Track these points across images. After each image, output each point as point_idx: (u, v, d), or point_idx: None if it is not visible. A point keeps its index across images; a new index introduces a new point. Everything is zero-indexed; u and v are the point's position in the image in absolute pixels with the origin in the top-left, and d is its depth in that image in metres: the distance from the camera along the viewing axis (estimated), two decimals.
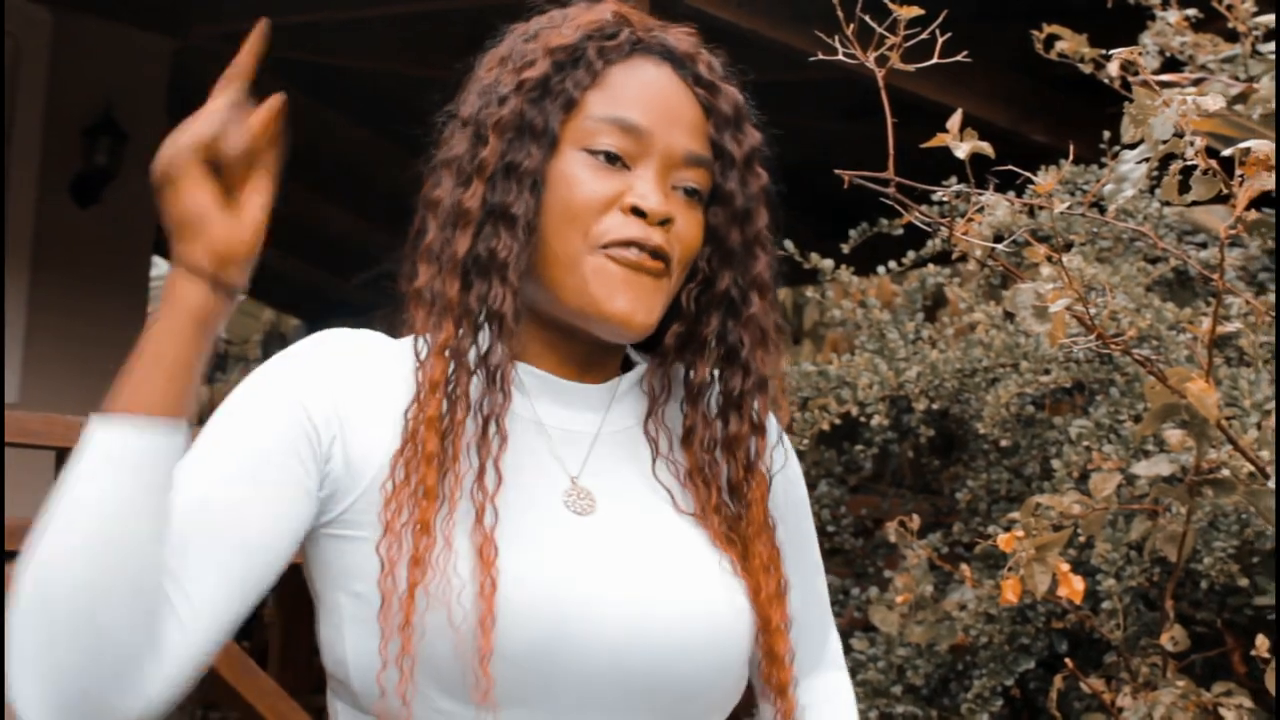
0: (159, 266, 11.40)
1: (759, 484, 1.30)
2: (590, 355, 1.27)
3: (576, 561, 1.17)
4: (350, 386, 1.18)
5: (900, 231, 3.00)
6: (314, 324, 10.71)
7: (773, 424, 1.35)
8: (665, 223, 1.22)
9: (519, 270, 1.19)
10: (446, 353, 1.17)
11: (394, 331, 1.29)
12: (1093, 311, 1.78)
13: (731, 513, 1.28)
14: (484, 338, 1.19)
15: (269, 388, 1.18)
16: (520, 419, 1.23)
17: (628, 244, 1.20)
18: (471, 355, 1.18)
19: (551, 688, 1.13)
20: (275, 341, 12.52)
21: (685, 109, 1.25)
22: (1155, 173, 1.86)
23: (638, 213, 1.21)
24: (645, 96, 1.23)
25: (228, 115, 1.14)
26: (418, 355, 1.19)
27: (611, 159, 1.22)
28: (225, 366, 12.37)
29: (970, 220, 1.71)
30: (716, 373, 1.29)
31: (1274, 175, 1.56)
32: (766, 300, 1.29)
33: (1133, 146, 1.77)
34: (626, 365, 1.35)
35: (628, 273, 1.20)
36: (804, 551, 1.42)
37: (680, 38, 1.29)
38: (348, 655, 1.15)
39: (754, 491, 1.29)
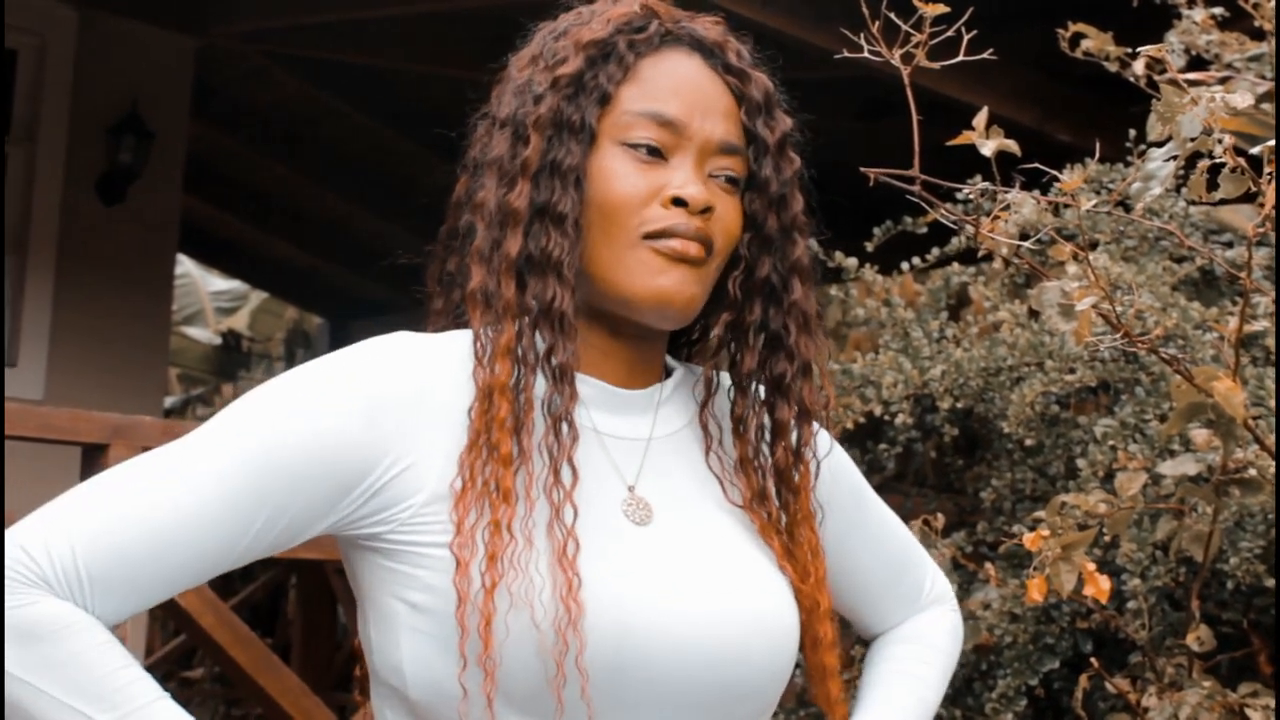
0: (183, 264, 11.45)
1: (805, 471, 1.31)
2: (635, 360, 1.28)
3: (638, 573, 1.18)
4: (397, 400, 1.17)
5: (924, 230, 2.99)
6: (337, 323, 10.75)
7: (823, 438, 1.37)
8: (706, 211, 1.23)
9: (573, 267, 1.20)
10: (509, 354, 1.18)
11: (419, 328, 1.30)
12: (1118, 310, 1.77)
13: (779, 500, 1.30)
14: (543, 336, 1.19)
15: (300, 403, 1.16)
16: (579, 427, 1.23)
17: (670, 234, 1.21)
18: (533, 354, 1.19)
19: (616, 698, 1.14)
20: (299, 340, 12.55)
21: (717, 97, 1.26)
22: (1181, 171, 1.85)
23: (679, 203, 1.22)
24: (678, 87, 1.24)
25: None
26: (478, 356, 1.19)
27: (651, 152, 1.23)
28: (249, 364, 12.40)
29: (996, 218, 1.70)
30: (761, 360, 1.30)
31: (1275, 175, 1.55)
32: (806, 286, 1.31)
33: (1159, 145, 1.76)
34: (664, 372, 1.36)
35: (670, 261, 1.21)
36: (865, 518, 1.44)
37: (708, 27, 1.30)
38: (404, 664, 1.15)
39: (802, 478, 1.31)
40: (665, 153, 1.23)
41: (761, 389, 1.31)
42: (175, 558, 1.12)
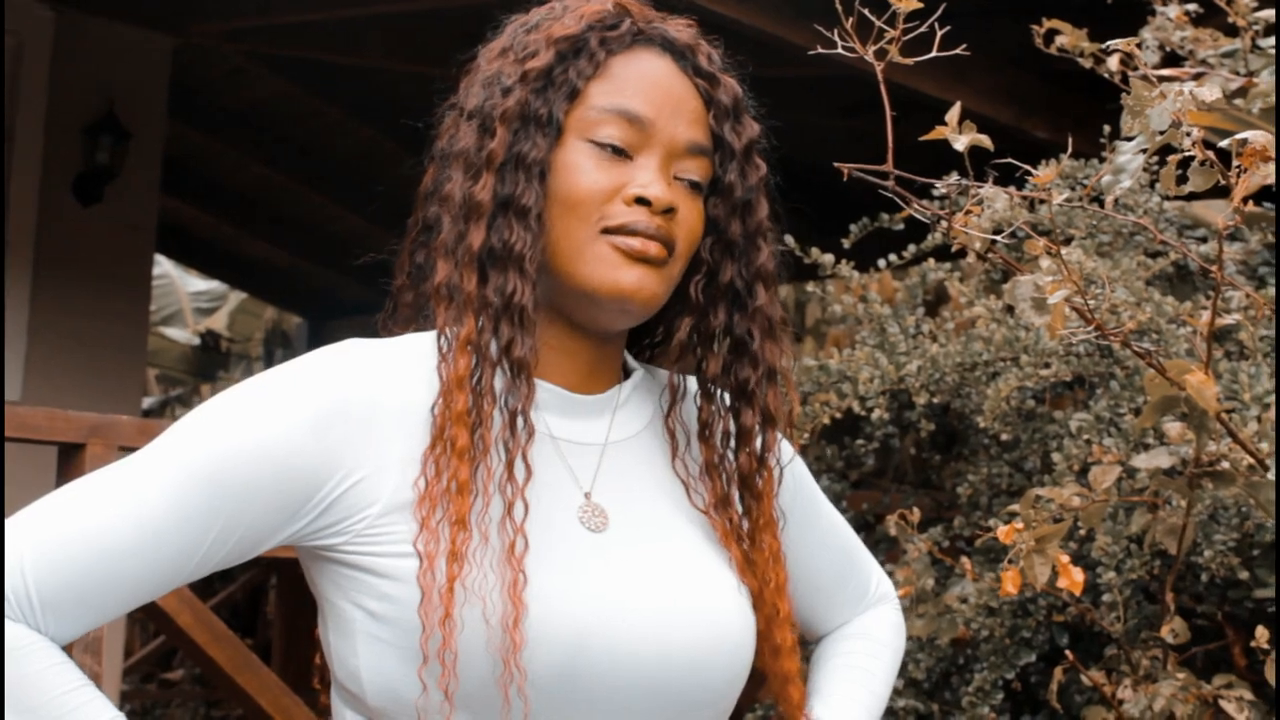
0: (160, 265, 11.41)
1: (769, 477, 1.32)
2: (594, 361, 1.28)
3: (592, 581, 1.18)
4: (347, 411, 1.16)
5: (901, 227, 3.00)
6: (316, 323, 10.73)
7: (786, 447, 1.38)
8: (668, 212, 1.23)
9: (535, 261, 1.20)
10: (469, 347, 1.18)
11: (378, 331, 1.30)
12: (1092, 304, 1.78)
13: (742, 506, 1.30)
14: (503, 330, 1.19)
15: (248, 416, 1.16)
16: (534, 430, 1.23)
17: (629, 230, 1.21)
18: (493, 348, 1.19)
19: (570, 705, 1.15)
20: (278, 340, 12.52)
21: (686, 99, 1.27)
22: (1155, 167, 1.86)
23: (642, 202, 1.22)
24: (647, 86, 1.25)
25: None
26: (442, 351, 1.19)
27: (616, 151, 1.23)
28: (228, 365, 12.37)
29: (969, 213, 1.71)
30: (726, 365, 1.30)
31: (1273, 168, 1.56)
32: (771, 291, 1.31)
33: (1132, 139, 1.78)
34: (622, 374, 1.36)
35: (628, 259, 1.22)
36: (816, 520, 1.45)
37: (680, 29, 1.30)
38: (361, 670, 1.16)
39: (765, 484, 1.31)
40: (631, 151, 1.23)
41: (726, 394, 1.31)
42: (126, 576, 1.12)
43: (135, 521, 1.12)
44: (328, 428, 1.15)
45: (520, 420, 1.18)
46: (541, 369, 1.25)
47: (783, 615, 1.29)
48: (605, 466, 1.26)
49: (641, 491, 1.27)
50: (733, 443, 1.31)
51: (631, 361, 1.36)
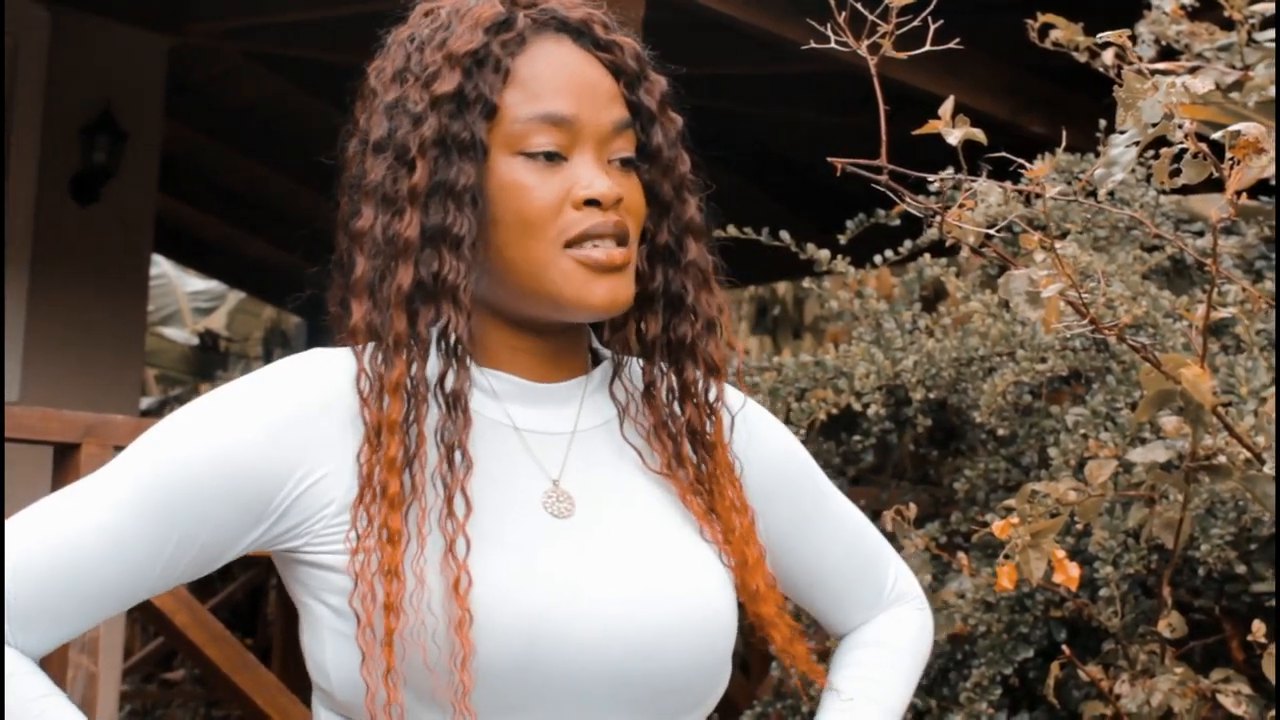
0: (158, 264, 11.41)
1: (719, 425, 1.30)
2: (556, 352, 1.27)
3: (556, 567, 1.17)
4: (301, 416, 1.17)
5: (897, 223, 3.00)
6: (314, 321, 10.73)
7: (736, 395, 1.35)
8: (617, 203, 1.21)
9: (469, 292, 1.18)
10: (400, 391, 1.16)
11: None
12: (1087, 298, 1.78)
13: (696, 457, 1.29)
14: (435, 362, 1.18)
15: (205, 425, 1.16)
16: (494, 424, 1.22)
17: (591, 238, 1.20)
18: (426, 384, 1.17)
19: (537, 694, 1.14)
20: (276, 339, 12.52)
21: (599, 80, 1.24)
22: (1151, 161, 1.86)
23: (591, 202, 1.20)
24: (561, 81, 1.22)
25: None
26: (363, 394, 1.17)
27: (550, 157, 1.20)
28: (226, 364, 12.37)
29: (962, 207, 1.71)
30: (665, 323, 1.29)
31: (1271, 161, 1.56)
32: (701, 243, 1.29)
33: (1125, 132, 1.77)
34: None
35: (595, 273, 1.20)
36: (817, 508, 1.42)
37: (569, 5, 1.26)
38: (328, 664, 1.16)
39: (716, 433, 1.30)
40: (564, 152, 1.21)
41: (668, 352, 1.29)
42: (91, 587, 1.13)
43: (96, 533, 1.13)
44: (283, 433, 1.16)
45: (458, 454, 1.16)
46: (501, 362, 1.24)
47: (752, 561, 1.27)
48: (575, 454, 1.24)
49: (614, 476, 1.25)
50: (678, 398, 1.29)
51: (602, 350, 1.34)
